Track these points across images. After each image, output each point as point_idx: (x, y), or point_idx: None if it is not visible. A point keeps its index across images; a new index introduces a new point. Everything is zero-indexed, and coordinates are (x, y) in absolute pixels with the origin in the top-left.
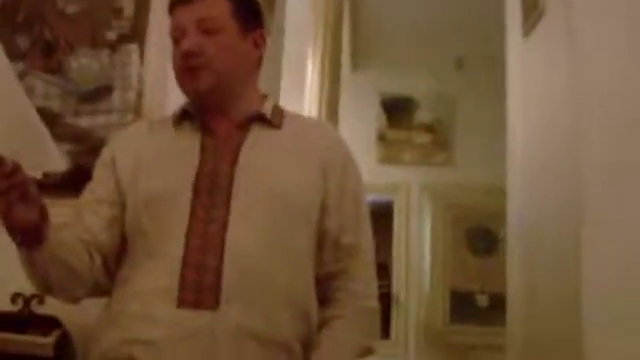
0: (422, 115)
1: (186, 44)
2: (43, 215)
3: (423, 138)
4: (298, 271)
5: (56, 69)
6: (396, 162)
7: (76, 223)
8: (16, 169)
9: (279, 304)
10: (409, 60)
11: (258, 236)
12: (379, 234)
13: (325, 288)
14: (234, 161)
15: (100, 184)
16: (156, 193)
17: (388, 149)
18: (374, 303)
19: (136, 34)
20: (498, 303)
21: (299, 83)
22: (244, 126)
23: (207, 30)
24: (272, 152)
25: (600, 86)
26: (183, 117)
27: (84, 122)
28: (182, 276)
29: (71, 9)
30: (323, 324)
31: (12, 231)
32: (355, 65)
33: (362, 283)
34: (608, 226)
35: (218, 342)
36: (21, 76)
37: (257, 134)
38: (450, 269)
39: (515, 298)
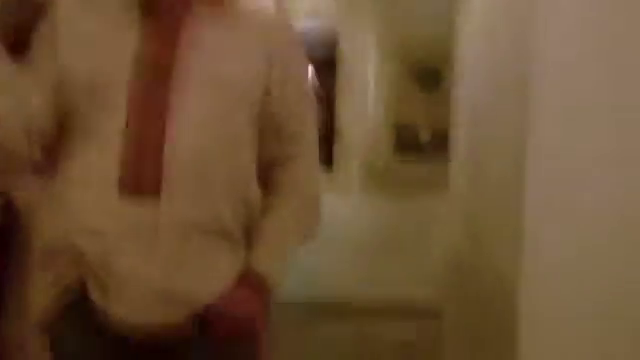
0: None
1: None
2: None
3: None
4: (239, 158)
5: None
6: None
7: (11, 101)
8: None
9: (220, 192)
10: None
11: (199, 124)
12: (324, 66)
13: (268, 175)
14: (175, 42)
15: (38, 62)
16: (93, 75)
17: None
18: (316, 190)
19: None
20: (441, 140)
21: None
22: (188, 6)
23: None
24: (217, 35)
25: None
26: None
27: None
28: (123, 163)
29: None
30: (265, 210)
31: None
32: None
33: (304, 170)
34: (555, 70)
35: (160, 233)
36: None
37: (200, 16)
38: (394, 103)
39: (459, 134)
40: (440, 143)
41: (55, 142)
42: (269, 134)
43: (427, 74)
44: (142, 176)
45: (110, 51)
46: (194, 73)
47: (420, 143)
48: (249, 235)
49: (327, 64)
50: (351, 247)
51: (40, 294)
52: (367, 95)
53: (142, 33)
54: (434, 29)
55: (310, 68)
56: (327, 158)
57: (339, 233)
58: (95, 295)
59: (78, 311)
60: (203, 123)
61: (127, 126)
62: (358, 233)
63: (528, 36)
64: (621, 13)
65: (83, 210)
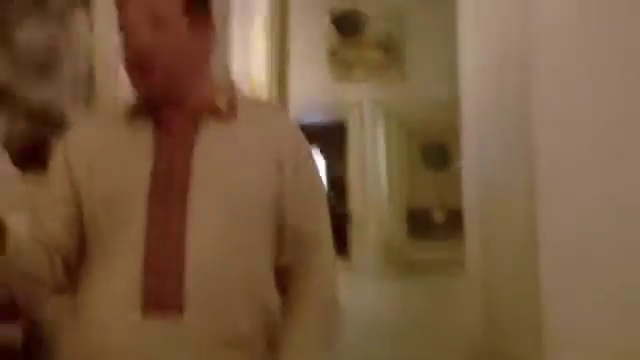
0: (373, 30)
1: (135, 40)
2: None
3: (375, 54)
4: (257, 267)
5: (2, 43)
6: (348, 79)
7: (33, 226)
8: None
9: (240, 303)
10: None
11: (217, 236)
12: (334, 153)
13: (286, 278)
14: (189, 158)
15: (55, 184)
16: (111, 193)
17: (340, 66)
18: (334, 294)
19: (83, 0)
20: (455, 218)
21: (249, 3)
22: (198, 119)
23: (156, 23)
24: (227, 146)
25: (550, 15)
26: (135, 111)
27: (36, 96)
28: (144, 282)
29: None
30: (287, 319)
31: None
32: None
33: (322, 274)
34: (560, 137)
35: (184, 349)
36: None
37: (211, 128)
38: (406, 186)
39: (471, 213)
40: (454, 222)
41: (77, 263)
42: (284, 239)
43: (437, 154)
44: (164, 292)
45: (126, 170)
46: (208, 186)
47: (434, 223)
48: (271, 342)
49: (337, 151)
50: (367, 331)
51: None
52: (379, 179)
53: (156, 150)
54: (441, 109)
55: (320, 162)
56: (342, 243)
57: (355, 317)
58: None
59: None
60: (221, 236)
61: (146, 242)
62: (374, 317)
63: (531, 111)
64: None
65: (106, 329)
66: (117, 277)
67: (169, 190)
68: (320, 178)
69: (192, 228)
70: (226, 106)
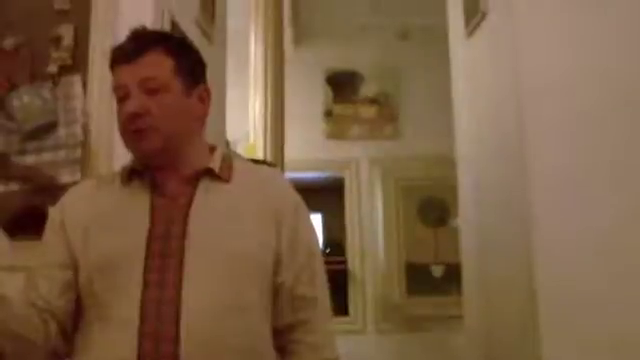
0: (367, 88)
1: (131, 106)
2: None
3: (369, 112)
4: (254, 328)
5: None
6: (344, 137)
7: (28, 290)
8: None
9: None
10: (352, 33)
11: (213, 300)
12: (331, 210)
13: (284, 340)
14: (185, 221)
15: (51, 248)
16: (108, 257)
17: (335, 124)
18: (333, 354)
19: (77, 64)
20: (453, 273)
21: (243, 62)
22: (193, 182)
23: (151, 90)
24: (222, 209)
25: (541, 86)
26: (131, 174)
27: (30, 160)
28: (140, 347)
29: (8, 43)
30: None
31: None
32: (298, 41)
33: (320, 335)
34: (555, 191)
35: None
36: None
37: (206, 190)
38: (404, 242)
39: (469, 267)
40: (453, 277)
41: (73, 327)
42: (282, 301)
43: (434, 209)
44: (160, 354)
45: (122, 234)
46: (204, 250)
47: (433, 278)
48: None
49: (334, 208)
50: None
51: None
52: (376, 235)
53: (152, 213)
54: (437, 165)
55: (317, 220)
56: (340, 300)
57: None
58: None
59: None
60: (217, 299)
61: (142, 307)
62: None
63: (527, 166)
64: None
65: None
66: (113, 342)
67: (165, 254)
68: (317, 238)
69: (188, 292)
70: (221, 168)
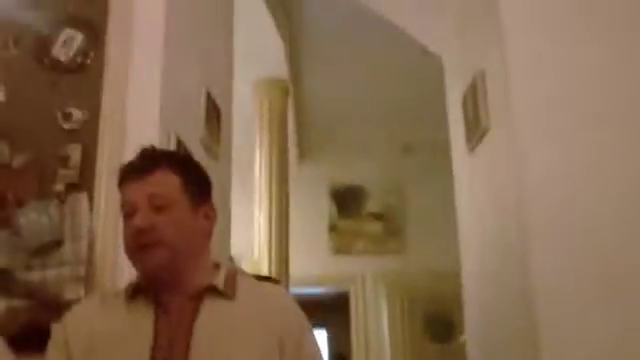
0: (372, 203)
1: (137, 221)
2: None
3: (374, 227)
4: None
5: (4, 224)
6: (349, 252)
7: None
8: None
9: None
10: (356, 149)
11: None
12: (337, 325)
13: None
14: (188, 339)
15: None
16: None
17: (340, 240)
18: None
19: (84, 182)
20: None
21: (249, 180)
22: (197, 299)
23: (158, 207)
24: (226, 324)
25: (544, 202)
26: (136, 291)
27: (35, 276)
28: None
29: (17, 162)
30: None
31: None
32: (302, 157)
33: None
34: (562, 309)
35: None
36: None
37: (210, 307)
38: (411, 357)
39: None
40: None
41: None
42: None
43: (441, 325)
44: None
45: (125, 350)
46: None
47: None
48: None
49: (340, 323)
50: None
51: None
52: (383, 351)
53: (156, 329)
54: (443, 280)
55: (322, 336)
56: None
57: None
58: None
59: None
60: None
61: None
62: None
63: (531, 283)
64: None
65: None
66: None
67: None
68: (321, 355)
69: None
70: (225, 285)
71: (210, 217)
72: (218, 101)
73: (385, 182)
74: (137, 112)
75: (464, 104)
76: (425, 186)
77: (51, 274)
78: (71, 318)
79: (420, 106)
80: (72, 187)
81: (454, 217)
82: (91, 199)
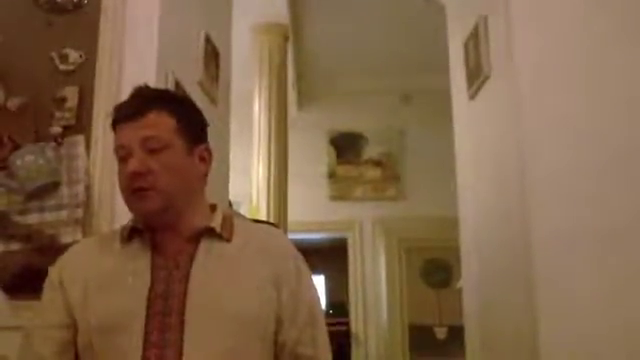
0: (371, 150)
1: (132, 165)
2: None
3: (373, 173)
4: None
5: (0, 167)
6: (347, 198)
7: (26, 350)
8: None
9: None
10: (356, 96)
11: (213, 358)
12: (334, 271)
13: None
14: (186, 281)
15: (49, 308)
16: (107, 319)
17: (339, 186)
18: None
19: (81, 125)
20: (457, 335)
21: (247, 125)
22: (194, 241)
23: (153, 149)
24: (223, 268)
25: (544, 148)
26: (132, 233)
27: (32, 219)
28: None
29: (13, 104)
30: None
31: None
32: (301, 104)
33: None
34: (558, 251)
35: None
36: None
37: (207, 249)
38: (407, 303)
39: (472, 330)
40: (456, 339)
41: None
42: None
43: (438, 271)
44: None
45: (122, 295)
46: (205, 309)
47: (436, 340)
48: None
49: (338, 269)
50: None
51: None
52: (380, 297)
53: (153, 273)
54: (441, 226)
55: (320, 281)
56: None
57: None
58: None
59: None
60: (218, 357)
61: None
62: None
63: (529, 227)
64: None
65: None
66: None
67: (165, 314)
68: (318, 297)
69: (189, 352)
70: (222, 227)
71: (206, 159)
72: (217, 44)
73: (384, 129)
74: (134, 54)
75: (465, 51)
76: (424, 133)
77: (48, 217)
78: (66, 260)
79: (421, 55)
80: (69, 129)
81: (453, 164)
82: (88, 142)
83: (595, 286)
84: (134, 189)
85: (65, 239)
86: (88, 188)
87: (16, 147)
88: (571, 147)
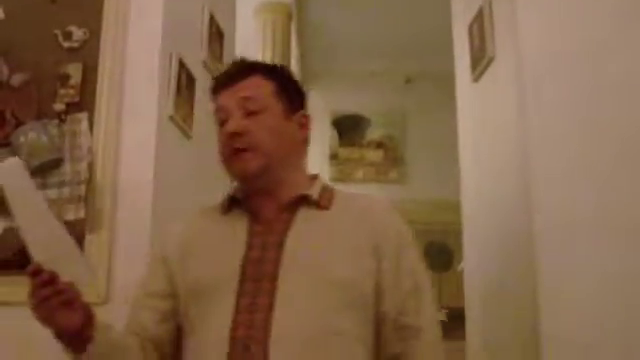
0: (373, 132)
1: (231, 125)
2: (88, 317)
3: (375, 155)
4: (345, 358)
5: (3, 143)
6: (348, 180)
7: (130, 320)
8: (54, 277)
9: None
10: (358, 78)
11: (304, 325)
12: None
13: None
14: (281, 247)
15: (152, 278)
16: (202, 283)
17: (340, 168)
18: None
19: (84, 102)
20: (457, 318)
21: None
22: (291, 209)
23: (251, 111)
24: (320, 236)
25: (548, 132)
26: (231, 203)
27: None
28: None
29: (16, 80)
30: None
31: (57, 336)
32: (304, 84)
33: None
34: (560, 235)
35: None
36: None
37: (304, 217)
38: None
39: (473, 312)
40: (457, 322)
41: (173, 355)
42: (387, 331)
43: (439, 254)
44: None
45: (217, 259)
46: (299, 273)
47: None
48: None
49: None
50: None
51: None
52: None
53: (249, 239)
54: (442, 209)
55: None
56: None
57: None
58: None
59: None
60: (308, 323)
61: (233, 329)
62: None
63: (532, 211)
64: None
65: None
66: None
67: (258, 279)
68: (423, 266)
69: (279, 317)
70: (320, 195)
71: (305, 125)
72: (221, 24)
73: (387, 112)
74: (139, 31)
75: (470, 32)
76: (427, 117)
77: (50, 195)
78: (170, 231)
79: (424, 37)
80: (72, 107)
81: (455, 147)
82: (91, 119)
83: (600, 268)
84: (232, 150)
85: (67, 216)
86: (91, 165)
87: (19, 124)
88: (576, 130)
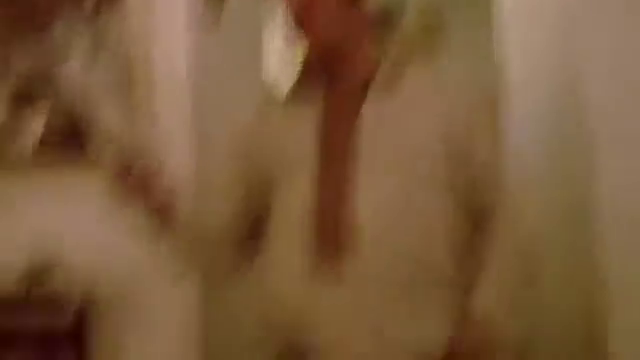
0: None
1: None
2: None
3: None
4: (428, 233)
5: (38, 29)
6: None
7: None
8: None
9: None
10: None
11: (385, 202)
12: None
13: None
14: (357, 122)
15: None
16: (278, 163)
17: None
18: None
19: None
20: None
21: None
22: (360, 93)
23: None
24: (397, 110)
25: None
26: (303, 74)
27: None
28: (310, 248)
29: None
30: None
31: None
32: None
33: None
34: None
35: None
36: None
37: (381, 89)
38: None
39: None
40: None
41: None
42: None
43: None
44: (329, 257)
45: (294, 133)
46: (378, 151)
47: None
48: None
49: None
50: None
51: None
52: None
53: (325, 114)
54: None
55: None
56: None
57: None
58: None
59: None
60: (389, 201)
61: (312, 206)
62: None
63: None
64: None
65: (278, 295)
66: (283, 246)
67: (336, 154)
68: (500, 144)
69: (359, 193)
70: (388, 79)
71: (364, 7)
72: None
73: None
74: None
75: None
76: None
77: (91, 80)
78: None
79: None
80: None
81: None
82: (125, 8)
83: None
84: (297, 21)
85: (103, 105)
86: (126, 54)
87: (53, 13)
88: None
